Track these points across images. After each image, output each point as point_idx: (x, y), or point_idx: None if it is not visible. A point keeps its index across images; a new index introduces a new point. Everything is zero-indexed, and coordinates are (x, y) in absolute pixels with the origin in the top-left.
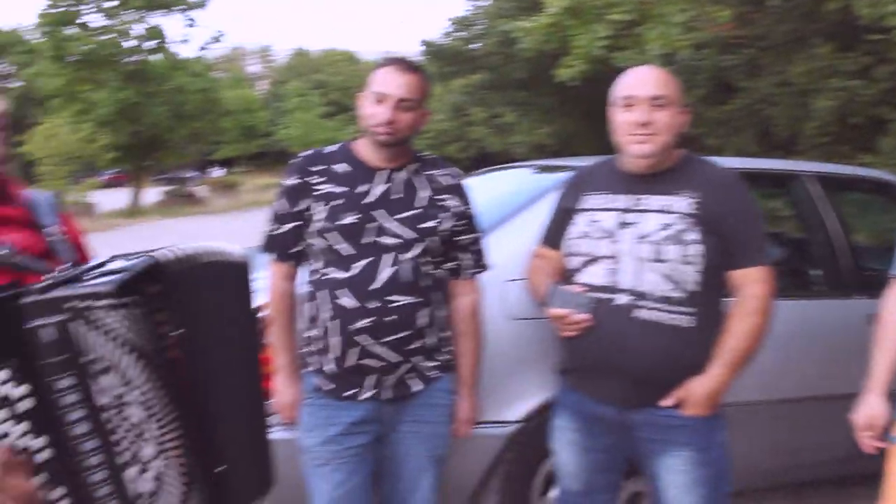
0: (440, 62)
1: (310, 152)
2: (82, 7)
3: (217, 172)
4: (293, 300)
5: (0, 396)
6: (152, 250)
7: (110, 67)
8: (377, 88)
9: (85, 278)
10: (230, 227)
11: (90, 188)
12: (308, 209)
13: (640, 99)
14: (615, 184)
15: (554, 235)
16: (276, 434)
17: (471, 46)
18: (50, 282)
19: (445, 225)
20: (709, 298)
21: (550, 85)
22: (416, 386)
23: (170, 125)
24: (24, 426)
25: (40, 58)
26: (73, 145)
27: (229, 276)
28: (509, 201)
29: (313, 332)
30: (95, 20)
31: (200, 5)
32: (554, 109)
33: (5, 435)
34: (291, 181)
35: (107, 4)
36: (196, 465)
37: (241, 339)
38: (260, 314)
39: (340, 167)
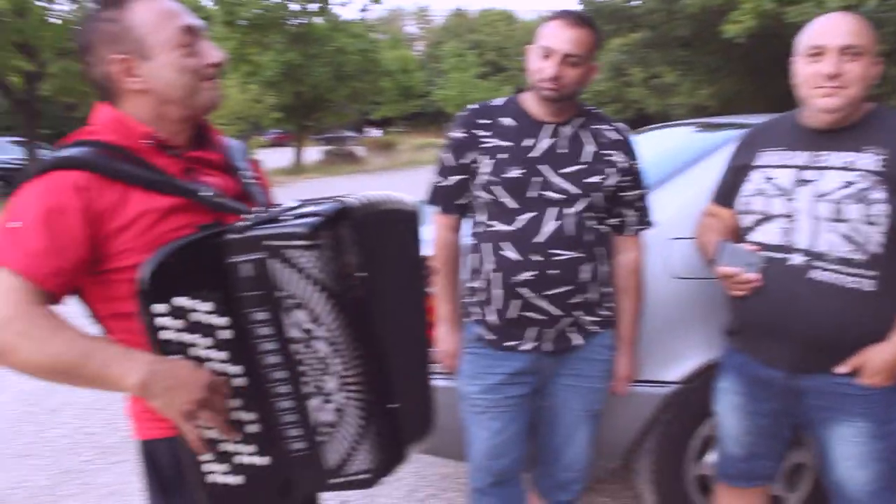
0: (599, 20)
1: (476, 106)
2: None
3: (373, 133)
4: (457, 251)
5: (205, 325)
6: (340, 196)
7: (276, 31)
8: (544, 43)
9: (281, 219)
10: (387, 186)
11: (256, 146)
12: (474, 162)
13: (831, 48)
14: (794, 140)
15: (726, 193)
16: (436, 381)
17: (631, 3)
18: (249, 222)
19: (611, 180)
20: (893, 261)
21: (714, 42)
22: (577, 340)
23: (331, 86)
24: (224, 354)
25: (213, 23)
26: (242, 105)
27: (404, 224)
28: (675, 158)
29: (476, 284)
30: None
31: None
32: (717, 69)
33: (208, 360)
34: (458, 134)
35: None
36: (373, 400)
37: (411, 286)
38: (426, 263)
39: (507, 121)
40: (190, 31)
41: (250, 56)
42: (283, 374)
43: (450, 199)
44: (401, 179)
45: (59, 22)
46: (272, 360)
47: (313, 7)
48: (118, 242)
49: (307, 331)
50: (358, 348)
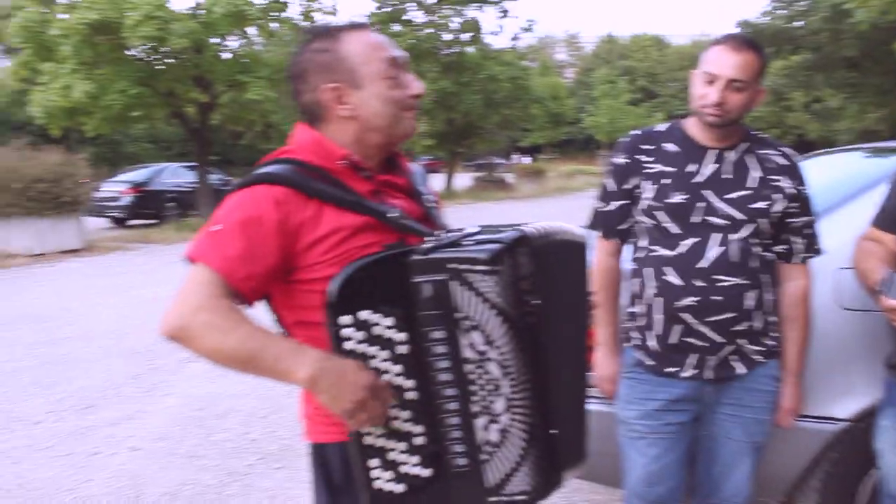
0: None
1: (639, 131)
2: (407, 5)
3: (523, 160)
4: (617, 276)
5: (385, 339)
6: (519, 224)
7: (430, 59)
8: (708, 68)
9: (462, 244)
10: (537, 213)
11: None
12: (637, 187)
13: None
14: None
15: (890, 217)
16: (592, 406)
17: (793, 24)
18: (432, 244)
19: (777, 206)
20: None
21: (886, 62)
22: (740, 369)
23: (482, 113)
24: (399, 367)
25: None
26: None
27: (575, 254)
28: (845, 185)
29: (636, 309)
30: (418, 17)
31: None
32: (889, 90)
33: (385, 372)
34: (621, 160)
35: (428, 1)
36: (536, 424)
37: (577, 314)
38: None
39: (670, 146)
40: (395, 63)
41: None
42: (453, 391)
43: (611, 224)
44: (550, 206)
45: (230, 56)
46: (445, 377)
47: (466, 37)
48: (310, 255)
49: (481, 352)
50: (527, 373)
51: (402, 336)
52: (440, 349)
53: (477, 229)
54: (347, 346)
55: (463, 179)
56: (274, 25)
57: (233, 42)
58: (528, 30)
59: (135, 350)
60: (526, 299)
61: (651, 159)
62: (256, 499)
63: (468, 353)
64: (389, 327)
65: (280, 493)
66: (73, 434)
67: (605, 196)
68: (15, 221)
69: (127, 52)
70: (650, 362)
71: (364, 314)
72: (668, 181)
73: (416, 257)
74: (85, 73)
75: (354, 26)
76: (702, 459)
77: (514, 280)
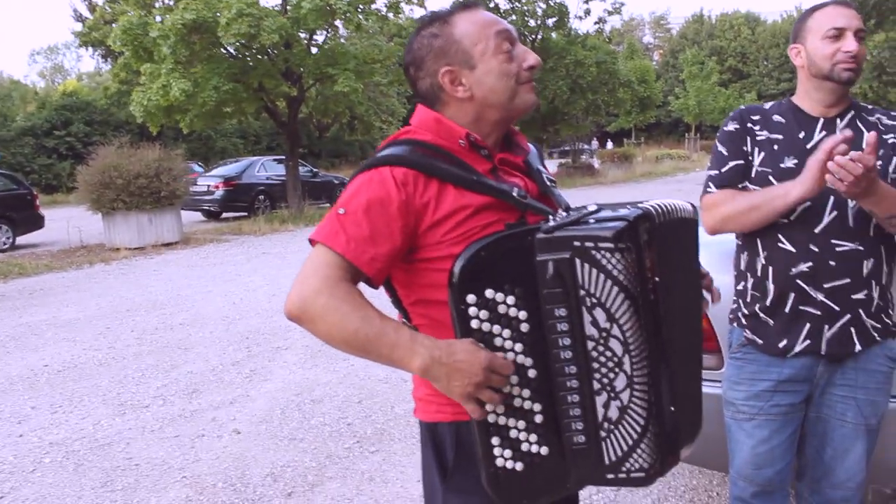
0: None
1: (748, 106)
2: None
3: (609, 145)
4: None
5: (509, 317)
6: (640, 202)
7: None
8: (834, 23)
9: (585, 222)
10: (624, 198)
11: None
12: (748, 154)
13: None
14: None
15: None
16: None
17: None
18: (557, 222)
19: (895, 164)
20: None
21: None
22: (855, 345)
23: (568, 98)
24: (521, 346)
25: None
26: None
27: (689, 230)
28: None
29: (745, 283)
30: (502, 3)
31: None
32: None
33: (508, 350)
34: (731, 126)
35: None
36: (655, 401)
37: (692, 291)
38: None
39: (778, 118)
40: (507, 36)
41: None
42: (574, 369)
43: (728, 184)
44: (638, 191)
45: (316, 51)
46: (566, 354)
47: (551, 22)
48: (432, 235)
49: (604, 329)
50: (648, 350)
51: (524, 314)
52: (563, 327)
53: (595, 207)
54: (473, 324)
55: (549, 165)
56: (361, 18)
57: (320, 36)
58: (614, 13)
59: (242, 336)
60: (648, 276)
61: (759, 128)
62: (355, 480)
63: (591, 331)
64: (512, 305)
65: (377, 476)
66: (180, 418)
67: (719, 160)
68: (118, 217)
69: (220, 50)
70: (760, 340)
71: (489, 293)
72: (779, 147)
73: (540, 235)
74: (181, 72)
75: (465, 6)
76: (812, 442)
77: (637, 257)
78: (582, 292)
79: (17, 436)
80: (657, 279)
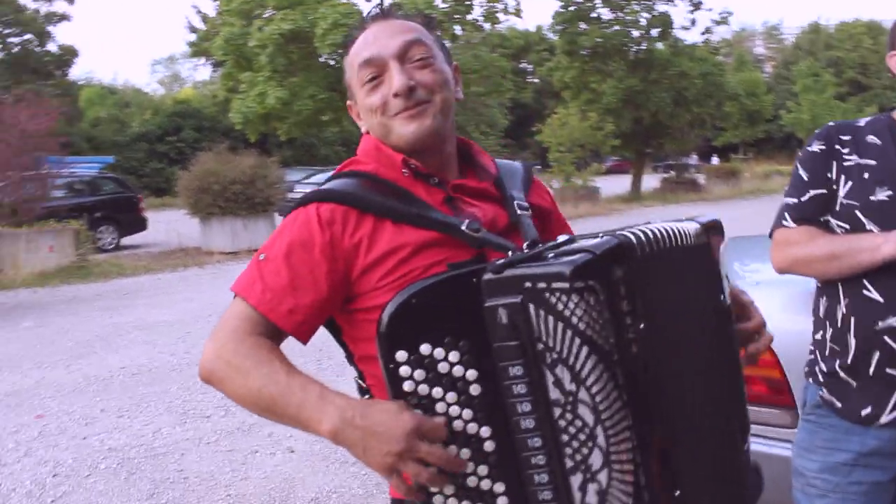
0: None
1: (838, 122)
2: (594, 2)
3: (714, 160)
4: None
5: (452, 377)
6: (619, 229)
7: (618, 57)
8: None
9: (545, 257)
10: (728, 216)
11: (593, 174)
12: (832, 182)
13: None
14: None
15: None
16: (759, 447)
17: None
18: (510, 259)
19: None
20: None
21: None
22: None
23: (671, 111)
24: (470, 412)
25: (555, 53)
26: (581, 133)
27: (695, 260)
28: None
29: (824, 333)
30: (605, 14)
31: None
32: None
33: (455, 417)
34: (816, 147)
35: None
36: (647, 484)
37: (711, 337)
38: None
39: (872, 139)
40: (371, 63)
41: (590, 84)
42: (539, 441)
43: (807, 216)
44: (743, 209)
45: None
46: (528, 423)
47: (655, 32)
48: (367, 280)
49: (569, 393)
50: (631, 418)
51: (473, 373)
52: (520, 389)
53: (565, 239)
54: (406, 387)
55: (651, 181)
56: (457, 28)
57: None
58: (722, 22)
59: (316, 348)
60: (626, 323)
61: (848, 151)
62: None
63: (555, 394)
64: (457, 363)
65: None
66: (238, 431)
67: (799, 187)
68: (214, 221)
69: (317, 60)
70: (839, 403)
71: (425, 348)
72: (871, 176)
73: (487, 276)
74: (278, 81)
75: (361, 25)
76: None
77: (607, 299)
78: (540, 345)
79: (81, 438)
80: (641, 326)
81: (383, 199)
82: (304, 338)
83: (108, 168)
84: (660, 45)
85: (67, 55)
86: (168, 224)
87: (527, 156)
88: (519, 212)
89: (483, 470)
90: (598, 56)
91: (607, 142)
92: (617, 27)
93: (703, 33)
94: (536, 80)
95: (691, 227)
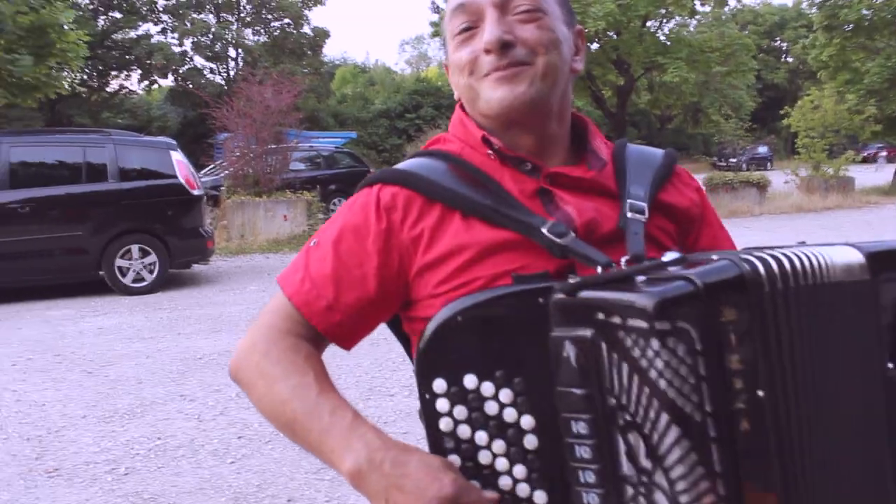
0: None
1: None
2: None
3: None
4: None
5: (501, 421)
6: (751, 250)
7: (886, 31)
8: None
9: (631, 281)
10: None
11: (846, 162)
12: None
13: None
14: None
15: None
16: None
17: None
18: (594, 278)
19: None
20: None
21: None
22: None
23: None
24: (522, 469)
25: (812, 30)
26: (836, 117)
27: (858, 303)
28: None
29: None
30: None
31: None
32: None
33: (499, 473)
34: None
35: None
36: None
37: (877, 423)
38: None
39: None
40: (462, 10)
41: (852, 62)
42: None
43: None
44: None
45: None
46: (590, 499)
47: None
48: (423, 284)
49: (643, 471)
50: None
51: (528, 421)
52: (583, 452)
53: (677, 257)
54: (443, 425)
55: None
56: (697, 3)
57: (654, 22)
58: None
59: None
60: (735, 387)
61: None
62: None
63: (627, 469)
64: (508, 404)
65: None
66: (416, 413)
67: None
68: None
69: None
70: None
71: (469, 380)
72: None
73: (557, 296)
74: None
75: None
76: None
77: (706, 350)
78: (612, 400)
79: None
80: (760, 394)
81: (457, 185)
82: (343, 342)
83: (351, 143)
84: None
85: (319, 37)
86: None
87: (774, 140)
88: (630, 214)
89: None
90: (863, 30)
91: (867, 127)
92: None
93: None
94: (790, 60)
95: (851, 258)
